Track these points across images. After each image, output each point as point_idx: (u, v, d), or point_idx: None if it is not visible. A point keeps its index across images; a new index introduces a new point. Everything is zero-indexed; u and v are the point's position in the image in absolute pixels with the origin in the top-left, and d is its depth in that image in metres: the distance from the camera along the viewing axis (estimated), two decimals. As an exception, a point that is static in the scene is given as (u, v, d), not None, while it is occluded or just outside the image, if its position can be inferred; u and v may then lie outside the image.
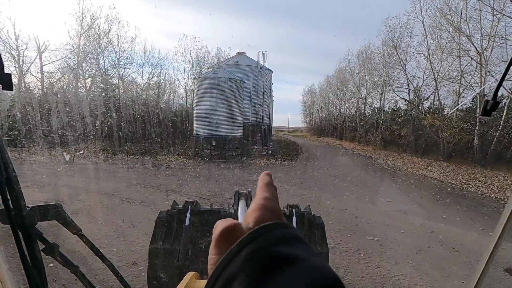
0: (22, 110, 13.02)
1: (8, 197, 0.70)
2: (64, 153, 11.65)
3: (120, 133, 15.21)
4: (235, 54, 20.08)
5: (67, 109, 14.55)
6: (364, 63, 29.47)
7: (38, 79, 19.13)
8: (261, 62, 18.59)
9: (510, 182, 11.07)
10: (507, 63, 0.52)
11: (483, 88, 15.95)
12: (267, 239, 0.25)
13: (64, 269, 0.87)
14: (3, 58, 0.62)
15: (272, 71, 20.16)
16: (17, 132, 12.54)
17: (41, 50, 18.77)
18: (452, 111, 18.17)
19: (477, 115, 15.76)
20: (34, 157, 11.34)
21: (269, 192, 0.35)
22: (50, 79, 19.67)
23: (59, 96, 17.14)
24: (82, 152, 12.44)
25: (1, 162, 0.67)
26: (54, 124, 12.89)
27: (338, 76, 37.67)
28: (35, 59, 18.78)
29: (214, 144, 14.50)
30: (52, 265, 3.24)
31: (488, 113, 0.48)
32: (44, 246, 0.81)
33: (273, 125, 24.38)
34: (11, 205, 0.71)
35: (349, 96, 34.75)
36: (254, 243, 0.25)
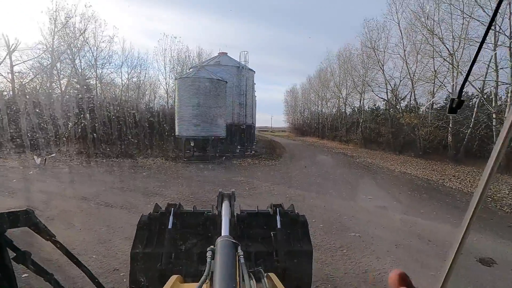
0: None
1: None
2: (35, 156, 11.02)
3: (95, 134, 14.56)
4: (217, 54, 19.97)
5: (37, 110, 13.82)
6: (344, 64, 30.16)
7: (8, 80, 18.17)
8: (243, 62, 18.58)
9: (480, 176, 11.68)
10: (470, 63, 0.55)
11: (454, 88, 16.77)
12: None
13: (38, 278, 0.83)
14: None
15: (254, 71, 20.21)
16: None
17: (11, 49, 17.83)
18: (423, 108, 18.98)
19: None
20: (2, 162, 10.74)
21: None
22: (22, 80, 18.73)
23: (28, 97, 16.28)
24: (54, 154, 11.84)
25: None
26: (23, 127, 12.18)
27: (319, 76, 38.35)
28: (4, 58, 17.83)
29: (192, 144, 14.32)
30: (27, 275, 3.09)
31: (454, 111, 0.51)
32: (15, 254, 0.76)
33: (256, 125, 24.46)
34: None
35: (330, 96, 35.45)
36: None
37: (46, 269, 0.84)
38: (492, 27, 13.38)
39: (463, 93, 0.51)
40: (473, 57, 0.52)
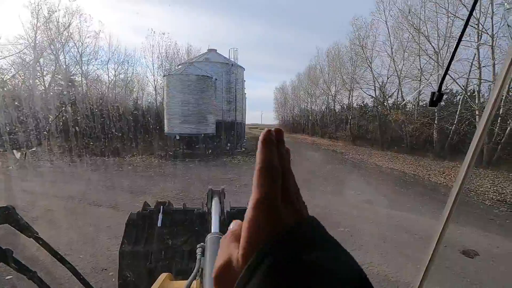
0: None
1: None
2: (14, 151, 10.56)
3: (77, 128, 14.05)
4: (206, 51, 19.77)
5: (17, 103, 13.30)
6: (333, 61, 30.36)
7: (-11, 76, 17.45)
8: (232, 59, 18.47)
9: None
10: (449, 59, 0.57)
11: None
12: (283, 252, 0.23)
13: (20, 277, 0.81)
14: None
15: (244, 68, 20.13)
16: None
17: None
18: (406, 100, 19.42)
19: (435, 110, 16.98)
20: None
21: (265, 179, 0.27)
22: (3, 76, 18.07)
23: (5, 89, 15.67)
24: (35, 149, 11.41)
25: None
26: (1, 121, 11.63)
27: (309, 74, 38.49)
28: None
29: (178, 137, 14.16)
30: (11, 276, 3.01)
31: (434, 104, 0.53)
32: None
33: (246, 122, 24.40)
34: None
35: (319, 93, 35.65)
36: (269, 258, 0.22)
37: (29, 267, 0.82)
38: (475, 26, 13.75)
39: (443, 87, 0.53)
40: (452, 52, 0.54)
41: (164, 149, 15.22)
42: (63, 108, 14.65)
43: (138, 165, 11.74)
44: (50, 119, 13.72)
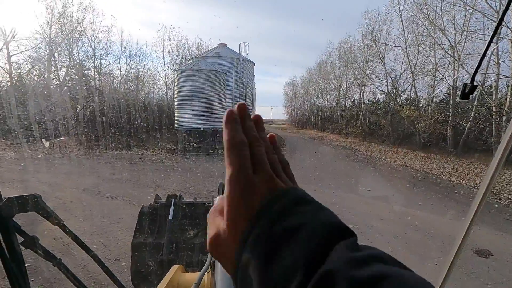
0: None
1: None
2: (43, 140, 10.79)
3: (103, 117, 14.40)
4: (217, 45, 19.75)
5: (45, 92, 13.69)
6: (344, 56, 29.76)
7: (6, 70, 17.97)
8: (243, 54, 18.40)
9: (479, 170, 11.75)
10: (484, 49, 0.55)
11: (455, 80, 16.67)
12: (264, 223, 0.26)
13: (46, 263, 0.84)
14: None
15: (254, 63, 20.04)
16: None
17: (7, 40, 17.59)
18: (429, 97, 18.97)
19: (450, 107, 16.52)
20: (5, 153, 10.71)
21: (233, 155, 0.29)
22: (19, 71, 18.55)
23: (26, 82, 16.12)
24: (62, 138, 11.69)
25: None
26: (31, 115, 11.97)
27: (319, 69, 37.92)
28: (1, 48, 17.60)
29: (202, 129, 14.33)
30: (29, 264, 3.12)
31: (466, 96, 0.51)
32: (23, 239, 0.77)
33: (256, 118, 24.31)
34: None
35: (330, 88, 35.14)
36: (255, 230, 0.26)
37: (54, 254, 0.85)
38: (494, 19, 13.23)
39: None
40: (488, 41, 0.51)
41: (175, 144, 15.38)
42: (90, 98, 15.05)
43: (150, 159, 11.92)
44: (78, 108, 14.06)
